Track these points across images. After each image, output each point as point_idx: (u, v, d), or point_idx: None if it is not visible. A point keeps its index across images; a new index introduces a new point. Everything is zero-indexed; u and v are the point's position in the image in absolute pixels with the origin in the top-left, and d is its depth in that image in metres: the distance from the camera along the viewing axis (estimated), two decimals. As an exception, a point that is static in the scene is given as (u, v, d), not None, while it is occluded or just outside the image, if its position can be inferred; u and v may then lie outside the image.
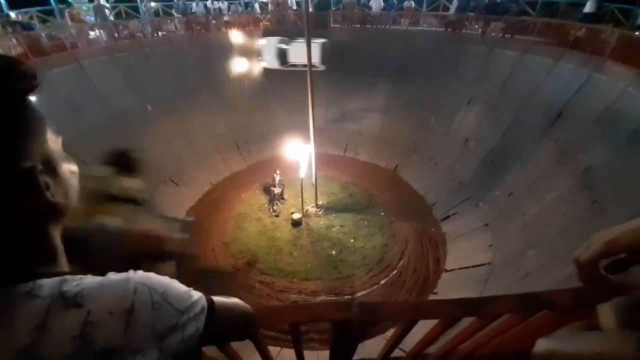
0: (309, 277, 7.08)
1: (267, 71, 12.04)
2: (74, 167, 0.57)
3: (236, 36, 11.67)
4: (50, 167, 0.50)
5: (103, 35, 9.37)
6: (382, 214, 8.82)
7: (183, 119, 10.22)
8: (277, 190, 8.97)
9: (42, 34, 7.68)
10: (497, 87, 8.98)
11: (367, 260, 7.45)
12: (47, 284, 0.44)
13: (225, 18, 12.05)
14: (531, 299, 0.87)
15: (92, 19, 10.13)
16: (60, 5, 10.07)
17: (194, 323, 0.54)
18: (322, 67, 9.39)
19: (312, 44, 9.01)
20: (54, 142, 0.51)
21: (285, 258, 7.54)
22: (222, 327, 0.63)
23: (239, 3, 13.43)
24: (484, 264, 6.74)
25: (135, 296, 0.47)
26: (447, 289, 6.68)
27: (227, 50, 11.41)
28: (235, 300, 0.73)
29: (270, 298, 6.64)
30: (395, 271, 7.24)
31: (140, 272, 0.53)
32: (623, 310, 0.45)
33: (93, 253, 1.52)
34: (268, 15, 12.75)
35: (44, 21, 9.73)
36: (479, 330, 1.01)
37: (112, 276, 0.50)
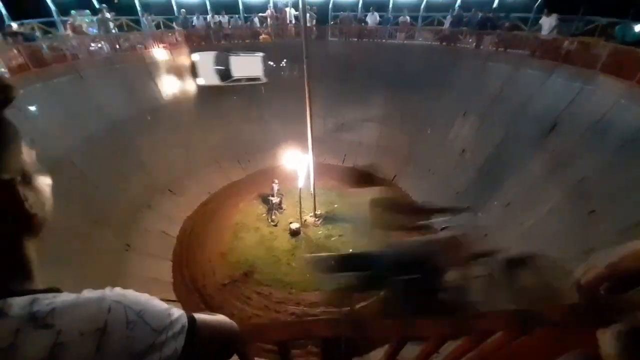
0: (308, 288, 6.98)
1: (265, 83, 12.27)
2: (48, 180, 0.57)
3: (235, 48, 11.90)
4: (27, 179, 0.49)
5: (105, 47, 9.49)
6: (381, 223, 8.79)
7: (182, 129, 10.27)
8: (275, 199, 8.96)
9: (43, 45, 7.76)
10: (491, 99, 9.17)
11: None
12: (17, 303, 0.42)
13: (225, 31, 12.29)
14: (524, 315, 0.83)
15: (94, 30, 10.28)
16: (62, 18, 10.25)
17: (173, 343, 0.52)
18: (264, 80, 10.05)
19: (253, 57, 9.80)
20: (28, 154, 0.51)
21: (283, 268, 7.45)
22: (203, 347, 0.60)
23: (239, 17, 13.73)
24: (482, 276, 6.69)
25: (109, 315, 0.45)
26: (446, 300, 6.61)
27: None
28: (219, 317, 0.70)
29: (268, 310, 6.52)
30: (394, 282, 7.15)
31: (117, 290, 0.51)
32: (625, 338, 0.44)
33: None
34: (267, 29, 13.01)
35: (45, 32, 9.87)
36: (473, 346, 0.98)
37: (87, 294, 0.48)
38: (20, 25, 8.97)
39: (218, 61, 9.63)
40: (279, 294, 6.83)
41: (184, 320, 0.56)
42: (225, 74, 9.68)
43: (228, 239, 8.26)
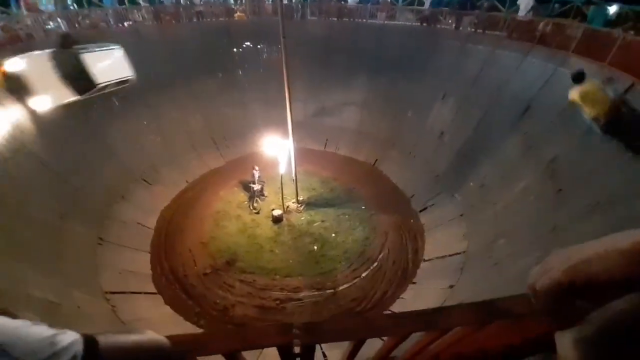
0: (291, 273, 7.05)
1: (242, 64, 11.73)
2: None
3: (209, 26, 11.22)
4: None
5: (62, 25, 8.66)
6: (363, 207, 8.91)
7: (154, 114, 9.74)
8: (256, 186, 8.80)
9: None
10: (469, 82, 9.24)
11: (348, 254, 7.51)
12: None
13: (197, 8, 11.51)
14: (486, 308, 0.81)
15: (52, 7, 9.32)
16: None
17: None
18: (134, 78, 6.84)
19: (112, 51, 6.40)
20: None
21: (266, 255, 7.45)
22: None
23: (212, -7, 12.88)
24: (459, 253, 7.00)
25: None
26: (425, 279, 6.89)
27: (200, 42, 10.93)
28: (138, 337, 0.63)
29: (252, 297, 6.54)
30: (375, 264, 7.36)
31: None
32: (586, 346, 0.37)
33: None
34: (242, 7, 12.31)
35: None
36: (434, 340, 0.96)
37: None
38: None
39: (60, 65, 5.72)
40: (262, 280, 6.85)
41: (77, 348, 0.49)
42: (83, 83, 5.84)
43: (209, 228, 8.11)
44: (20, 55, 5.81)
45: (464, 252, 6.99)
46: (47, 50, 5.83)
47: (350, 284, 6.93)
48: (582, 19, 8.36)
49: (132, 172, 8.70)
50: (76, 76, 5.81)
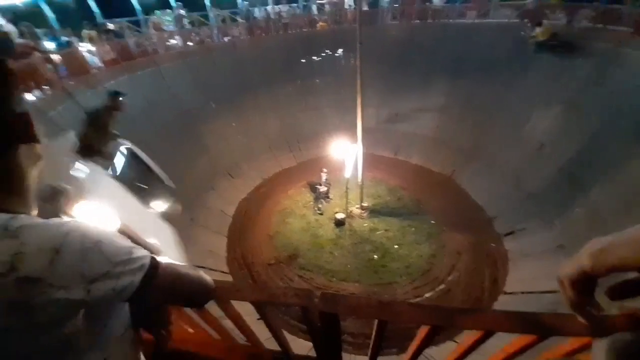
0: (348, 278, 6.94)
1: (320, 71, 12.24)
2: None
3: (292, 37, 12.08)
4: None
5: (179, 41, 10.55)
6: (432, 222, 8.20)
7: (241, 117, 10.96)
8: (323, 188, 9.02)
9: (130, 41, 8.96)
10: (583, 85, 7.62)
11: (411, 270, 7.00)
12: (0, 217, 0.51)
13: (284, 20, 12.54)
14: (526, 319, 0.74)
15: (172, 27, 11.50)
16: (146, 16, 11.67)
17: (129, 277, 0.59)
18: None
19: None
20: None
21: (325, 256, 7.52)
22: (163, 289, 0.67)
23: (297, 6, 13.86)
24: (553, 292, 5.76)
25: (65, 239, 0.52)
26: (503, 313, 5.89)
27: (284, 51, 11.86)
28: (192, 271, 0.77)
29: (308, 295, 6.69)
30: (443, 285, 6.66)
31: (82, 221, 0.58)
32: (619, 353, 0.36)
33: None
34: (324, 17, 12.89)
35: (132, 30, 11.38)
36: (472, 346, 0.91)
37: (54, 220, 0.55)
38: (111, 23, 10.49)
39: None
40: (319, 279, 6.94)
41: (146, 261, 0.63)
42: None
43: (276, 223, 8.65)
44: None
45: (559, 291, 5.72)
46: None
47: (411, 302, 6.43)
48: None
49: (219, 167, 9.95)
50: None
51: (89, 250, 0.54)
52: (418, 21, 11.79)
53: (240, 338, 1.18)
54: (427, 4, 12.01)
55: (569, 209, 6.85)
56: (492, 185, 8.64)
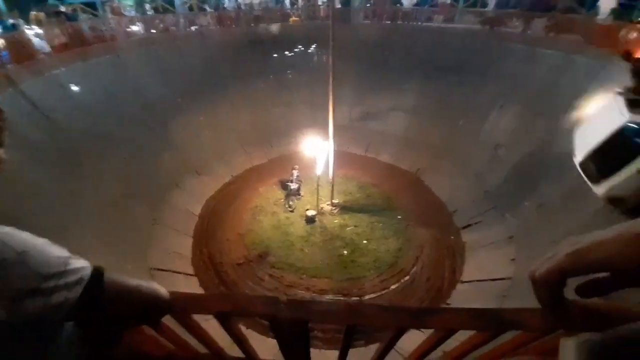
0: (319, 274, 7.05)
1: (293, 67, 12.13)
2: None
3: (264, 30, 11.83)
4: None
5: (141, 28, 9.89)
6: (399, 217, 8.55)
7: (210, 111, 10.57)
8: (294, 185, 9.01)
9: (85, 26, 8.24)
10: (536, 90, 8.30)
11: (378, 263, 7.27)
12: None
13: (256, 12, 12.23)
14: (490, 316, 0.76)
15: (133, 12, 10.74)
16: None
17: (64, 292, 0.51)
18: None
19: None
20: None
21: (296, 253, 7.56)
22: (111, 305, 0.59)
23: (270, -2, 13.59)
24: (504, 279, 6.31)
25: None
26: (461, 301, 6.34)
27: (255, 45, 11.58)
28: (143, 283, 0.68)
29: (278, 292, 6.69)
30: (407, 277, 7.00)
31: (7, 228, 0.51)
32: (589, 353, 0.35)
33: None
34: (297, 11, 12.76)
35: (87, 13, 10.45)
36: (433, 346, 0.93)
37: None
38: (64, 5, 9.55)
39: None
40: (290, 277, 6.97)
41: (85, 273, 0.55)
42: None
43: (246, 221, 8.51)
44: None
45: (509, 278, 6.28)
46: None
47: (377, 294, 6.70)
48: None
49: (186, 163, 9.55)
50: None
51: (10, 262, 0.46)
52: (389, 22, 12.07)
53: (202, 347, 1.12)
54: (398, 5, 12.32)
55: (520, 202, 7.49)
56: (453, 183, 9.18)
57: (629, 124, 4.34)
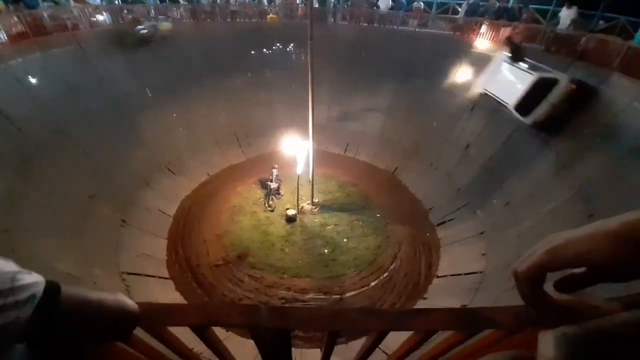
0: (299, 274, 7.04)
1: (271, 65, 11.98)
2: None
3: (241, 26, 11.56)
4: None
5: (107, 18, 9.25)
6: (378, 215, 8.77)
7: (183, 108, 10.14)
8: (273, 185, 8.92)
9: (45, 14, 7.55)
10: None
11: (358, 261, 7.40)
12: None
13: (232, 7, 11.92)
14: (468, 316, 0.78)
15: (98, 1, 10.02)
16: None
17: (13, 311, 0.45)
18: None
19: None
20: None
21: (276, 254, 7.49)
22: (70, 322, 0.54)
23: (247, -6, 13.29)
24: (476, 272, 6.69)
25: None
26: (437, 295, 6.64)
27: (232, 41, 11.28)
28: (107, 296, 0.63)
29: (259, 293, 6.60)
30: (386, 274, 7.20)
31: None
32: (567, 345, 0.36)
33: None
34: (275, 8, 12.60)
35: (47, 1, 9.63)
36: (415, 345, 0.94)
37: None
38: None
39: None
40: (270, 278, 6.89)
41: (37, 289, 0.49)
42: None
43: (224, 221, 8.29)
44: None
45: (481, 271, 6.68)
46: None
47: (358, 291, 6.82)
48: (626, 38, 7.80)
49: (158, 161, 9.10)
50: None
51: None
52: (366, 24, 12.29)
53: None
54: (375, 8, 12.58)
55: (488, 200, 7.97)
56: (428, 181, 9.57)
57: (539, 78, 6.97)
